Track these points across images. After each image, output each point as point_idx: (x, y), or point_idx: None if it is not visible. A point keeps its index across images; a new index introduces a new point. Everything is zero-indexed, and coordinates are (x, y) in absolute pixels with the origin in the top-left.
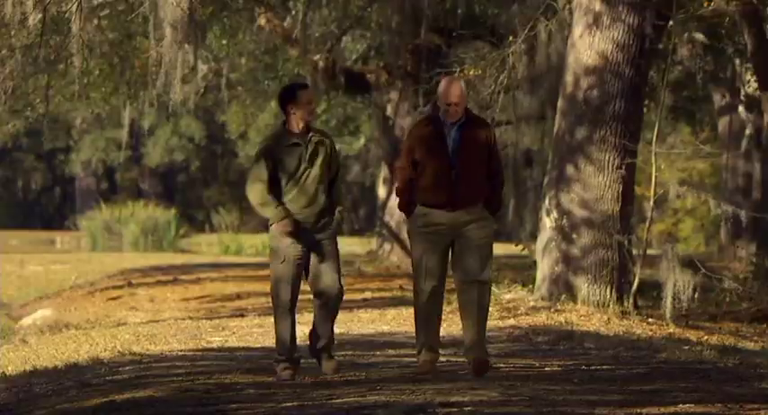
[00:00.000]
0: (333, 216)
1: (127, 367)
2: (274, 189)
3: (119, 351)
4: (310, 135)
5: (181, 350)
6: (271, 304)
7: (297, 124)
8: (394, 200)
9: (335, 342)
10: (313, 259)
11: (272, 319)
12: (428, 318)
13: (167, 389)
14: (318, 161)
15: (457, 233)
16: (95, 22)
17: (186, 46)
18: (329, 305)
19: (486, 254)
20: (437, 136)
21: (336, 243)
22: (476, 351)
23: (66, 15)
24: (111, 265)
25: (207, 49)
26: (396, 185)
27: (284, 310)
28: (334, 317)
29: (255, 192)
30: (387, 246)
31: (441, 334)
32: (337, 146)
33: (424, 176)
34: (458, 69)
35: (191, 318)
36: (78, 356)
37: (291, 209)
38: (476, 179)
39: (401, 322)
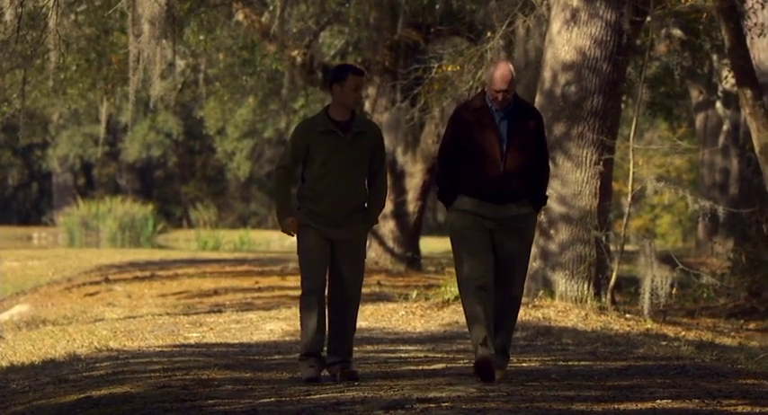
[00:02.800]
0: (365, 214)
1: (104, 363)
2: (304, 176)
3: (96, 347)
4: (353, 124)
5: (158, 346)
6: (242, 301)
7: (338, 109)
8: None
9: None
10: (333, 259)
11: (250, 315)
12: (478, 310)
13: (144, 385)
14: (357, 153)
15: (500, 229)
16: (72, 17)
17: (164, 41)
18: (344, 318)
19: (526, 255)
20: (487, 124)
21: (362, 246)
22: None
23: (43, 10)
24: (89, 261)
25: (185, 45)
26: (437, 173)
27: (311, 297)
28: (353, 329)
29: (275, 179)
30: None
31: (418, 330)
32: None
33: (472, 165)
34: (436, 65)
35: (168, 314)
36: (55, 352)
37: (319, 201)
38: (525, 171)
39: (379, 317)
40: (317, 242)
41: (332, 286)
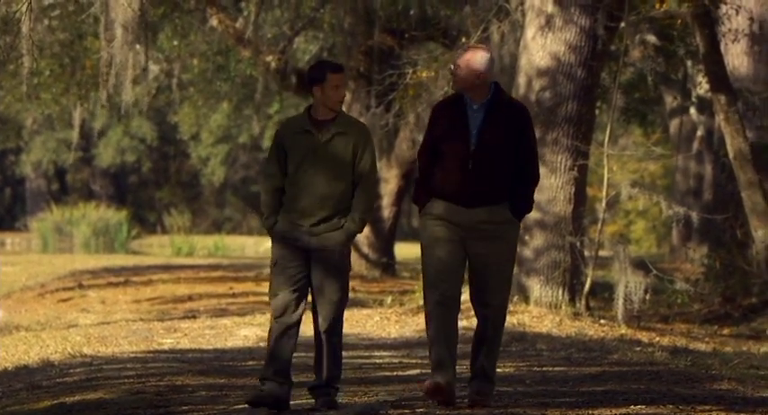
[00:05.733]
0: (345, 222)
1: (77, 369)
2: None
3: (69, 353)
4: (332, 124)
5: (132, 352)
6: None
7: (320, 109)
8: None
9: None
10: (312, 273)
11: (224, 320)
12: (440, 331)
13: (118, 391)
14: (335, 155)
15: (472, 236)
16: (46, 22)
17: (137, 46)
18: (323, 336)
19: (507, 273)
20: (457, 117)
21: (343, 260)
22: (475, 384)
23: (17, 15)
24: (62, 266)
25: (158, 50)
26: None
27: (280, 323)
28: (335, 351)
29: (263, 187)
30: None
31: (393, 336)
32: None
33: (440, 163)
34: (410, 70)
35: (142, 320)
36: (28, 358)
37: (292, 208)
38: (499, 171)
39: (353, 323)
40: (291, 263)
41: (313, 305)
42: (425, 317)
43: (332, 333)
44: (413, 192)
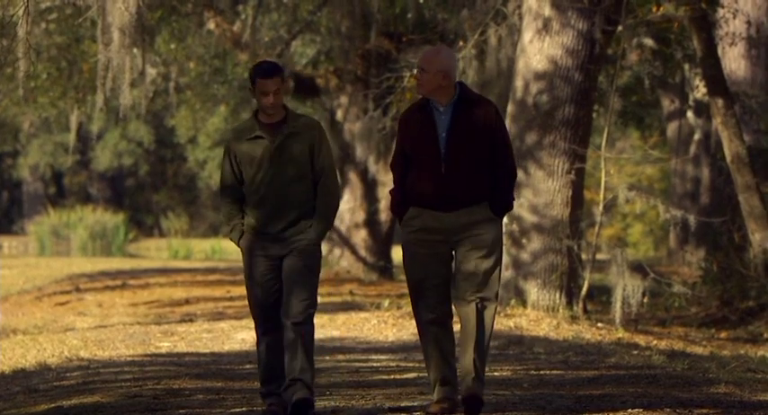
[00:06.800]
0: (314, 223)
1: (74, 373)
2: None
3: (66, 357)
4: (284, 126)
5: (129, 356)
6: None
7: (262, 113)
8: (345, 204)
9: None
10: (285, 273)
11: (221, 324)
12: (439, 351)
13: (115, 394)
14: (291, 157)
15: (456, 239)
16: (43, 25)
17: (134, 50)
18: (295, 337)
19: (492, 266)
20: (425, 122)
21: (313, 260)
22: (467, 383)
23: (13, 19)
24: (59, 270)
25: (155, 54)
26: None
27: (261, 330)
28: (307, 350)
29: (222, 200)
30: (337, 251)
31: (390, 339)
32: None
33: (414, 171)
34: (408, 74)
35: (139, 323)
36: (26, 361)
37: (257, 217)
38: (474, 171)
39: (351, 326)
40: (262, 270)
41: (283, 314)
42: (419, 333)
43: (309, 325)
44: (390, 204)
